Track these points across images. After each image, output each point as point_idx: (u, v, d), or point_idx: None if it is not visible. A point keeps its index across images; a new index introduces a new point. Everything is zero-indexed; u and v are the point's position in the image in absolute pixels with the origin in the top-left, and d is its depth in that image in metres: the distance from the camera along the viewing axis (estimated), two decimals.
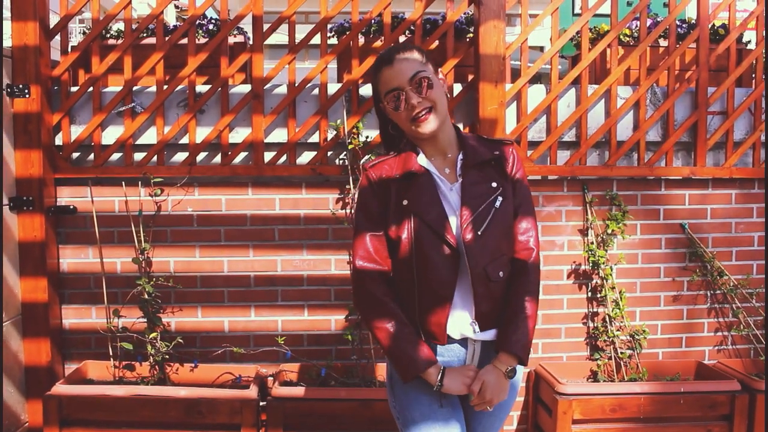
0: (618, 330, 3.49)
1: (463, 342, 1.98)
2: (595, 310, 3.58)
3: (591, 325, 3.58)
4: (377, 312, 1.96)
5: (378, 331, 1.95)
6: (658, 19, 3.64)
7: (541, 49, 11.61)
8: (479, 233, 1.91)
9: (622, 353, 3.44)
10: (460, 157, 1.99)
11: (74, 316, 3.44)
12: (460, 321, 1.95)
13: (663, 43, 3.72)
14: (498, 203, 1.95)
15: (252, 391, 3.09)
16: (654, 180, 3.57)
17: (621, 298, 3.47)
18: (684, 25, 3.68)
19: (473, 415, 2.05)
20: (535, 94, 3.49)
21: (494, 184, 1.97)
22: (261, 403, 3.13)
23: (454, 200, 1.96)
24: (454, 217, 1.94)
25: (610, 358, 3.48)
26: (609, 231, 3.48)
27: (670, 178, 3.56)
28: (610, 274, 3.48)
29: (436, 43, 3.46)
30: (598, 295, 3.54)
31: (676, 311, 3.62)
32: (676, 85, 3.51)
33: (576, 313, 3.58)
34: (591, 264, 3.50)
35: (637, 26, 3.65)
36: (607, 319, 3.49)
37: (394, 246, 1.97)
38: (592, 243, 3.50)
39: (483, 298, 1.92)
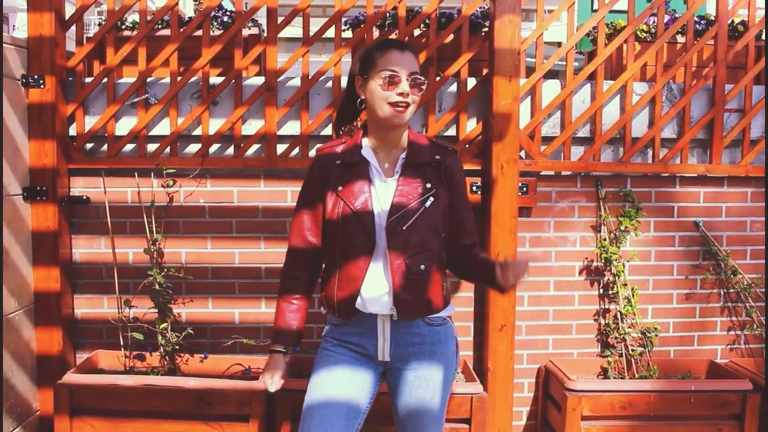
0: (629, 327, 3.46)
1: (373, 316, 2.17)
2: (606, 306, 3.56)
3: (602, 321, 3.56)
4: (284, 286, 2.31)
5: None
6: (676, 15, 3.59)
7: (559, 45, 11.49)
8: (404, 228, 2.10)
9: (633, 350, 3.42)
10: (403, 156, 2.18)
11: (86, 306, 3.46)
12: (375, 303, 2.14)
13: (681, 39, 3.67)
14: (429, 203, 2.13)
15: (261, 383, 3.09)
16: (668, 177, 3.53)
17: (633, 295, 3.45)
18: (702, 22, 3.63)
19: (402, 404, 2.23)
20: (550, 90, 3.46)
21: (428, 185, 2.15)
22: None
23: (384, 193, 2.14)
24: (380, 207, 2.12)
25: (621, 356, 3.46)
26: (622, 228, 3.45)
27: (684, 176, 3.52)
28: (623, 271, 3.46)
29: (451, 36, 3.44)
30: (610, 292, 3.51)
31: (689, 309, 3.59)
32: (693, 82, 3.47)
33: (587, 310, 3.56)
34: (603, 260, 3.48)
35: (654, 22, 3.61)
36: (619, 316, 3.47)
37: (327, 228, 2.19)
38: (605, 239, 3.48)
39: (401, 288, 2.10)
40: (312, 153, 3.40)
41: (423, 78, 2.12)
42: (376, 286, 2.13)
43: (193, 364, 3.39)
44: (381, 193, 2.14)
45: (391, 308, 2.13)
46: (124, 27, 3.64)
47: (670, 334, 3.58)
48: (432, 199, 2.14)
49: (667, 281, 3.57)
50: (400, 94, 2.07)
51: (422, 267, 2.12)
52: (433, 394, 2.20)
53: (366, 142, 2.21)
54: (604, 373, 3.48)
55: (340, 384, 2.17)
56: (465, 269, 2.33)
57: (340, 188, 2.15)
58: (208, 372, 3.32)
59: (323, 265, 2.28)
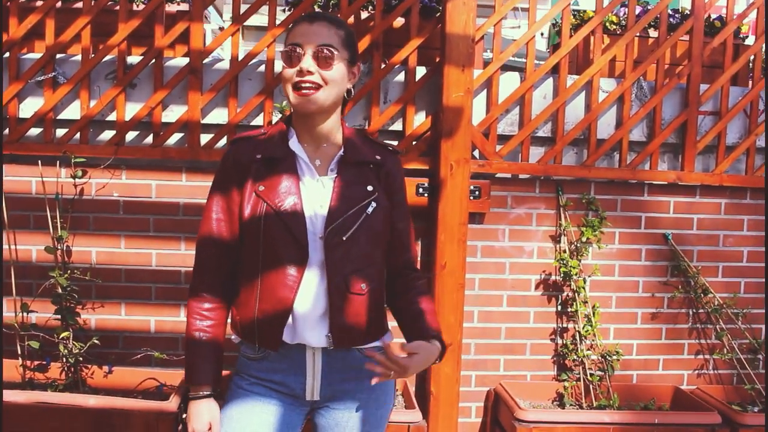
0: (589, 349, 3.15)
1: (302, 348, 1.79)
2: (564, 325, 3.24)
3: (559, 342, 3.24)
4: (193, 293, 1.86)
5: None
6: (649, 7, 3.29)
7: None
8: (344, 239, 1.74)
9: (592, 375, 3.10)
10: (341, 153, 1.82)
11: None
12: (307, 331, 1.76)
13: (653, 33, 3.38)
14: (371, 209, 1.79)
15: (171, 403, 2.73)
16: (636, 184, 3.24)
17: (594, 313, 3.13)
18: (677, 15, 3.34)
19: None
20: (508, 83, 3.14)
21: (370, 188, 1.81)
22: (184, 416, 2.78)
23: (318, 194, 1.78)
24: (312, 212, 1.76)
25: (578, 380, 3.14)
26: (584, 239, 3.14)
27: (654, 183, 3.24)
28: (583, 287, 3.14)
29: (402, 21, 3.12)
30: (569, 310, 3.20)
31: (654, 330, 3.29)
32: (665, 81, 3.17)
33: (543, 328, 3.25)
34: (562, 274, 3.16)
35: (625, 13, 3.30)
36: (578, 337, 3.15)
37: (244, 233, 1.79)
38: (565, 251, 3.16)
39: (340, 310, 1.75)
40: None
41: (337, 50, 1.72)
42: (309, 310, 1.75)
43: (102, 378, 3.02)
44: (313, 195, 1.77)
45: (327, 335, 1.76)
46: None
47: (634, 357, 3.28)
48: (374, 204, 1.79)
49: (631, 299, 3.28)
50: (299, 73, 1.70)
51: (363, 286, 1.77)
52: None
53: (292, 133, 1.83)
54: (559, 399, 3.16)
55: None
56: (392, 302, 1.95)
57: (261, 187, 1.75)
58: (119, 386, 2.97)
59: (239, 279, 1.84)
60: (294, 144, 1.80)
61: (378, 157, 1.85)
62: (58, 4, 3.01)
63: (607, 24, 3.34)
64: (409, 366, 1.69)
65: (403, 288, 1.91)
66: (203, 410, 1.79)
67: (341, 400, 1.84)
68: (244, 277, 1.81)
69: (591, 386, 3.10)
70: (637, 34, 3.22)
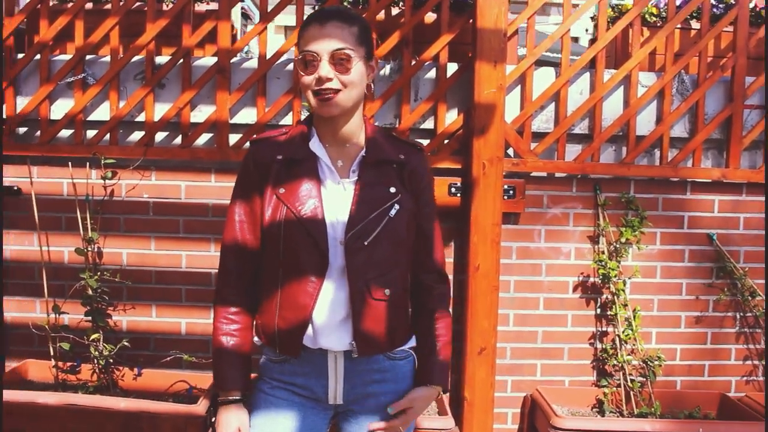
0: (629, 354, 3.02)
1: (324, 352, 1.75)
2: (604, 329, 3.12)
3: (599, 346, 3.12)
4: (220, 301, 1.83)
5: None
6: None
7: (576, 40, 10.93)
8: (366, 243, 1.70)
9: (632, 381, 2.98)
10: (363, 153, 1.77)
11: (16, 310, 3.10)
12: (328, 336, 1.73)
13: (695, 25, 3.23)
14: (393, 212, 1.73)
15: (200, 407, 2.70)
16: (678, 182, 3.10)
17: (634, 317, 3.01)
18: (720, 5, 3.19)
19: None
20: (543, 78, 3.04)
21: (393, 189, 1.75)
22: (213, 419, 2.74)
23: (339, 198, 1.73)
24: (333, 217, 1.72)
25: (619, 386, 3.02)
26: (623, 239, 3.02)
27: (697, 181, 3.10)
28: (623, 289, 3.02)
29: (433, 16, 3.04)
30: (608, 313, 3.08)
31: (699, 334, 3.15)
32: (708, 74, 3.03)
33: (582, 332, 3.13)
34: (601, 276, 3.04)
35: (665, 5, 3.17)
36: (618, 341, 3.03)
37: (265, 237, 1.76)
38: (603, 252, 3.04)
39: (362, 317, 1.71)
40: None
41: (353, 51, 1.67)
42: (329, 316, 1.71)
43: (130, 380, 3.01)
44: (334, 199, 1.73)
45: (350, 343, 1.72)
46: None
47: (677, 362, 3.14)
48: (397, 206, 1.73)
49: (674, 302, 3.14)
50: (318, 81, 1.65)
51: (387, 291, 1.73)
52: None
53: (313, 133, 1.78)
54: (599, 406, 3.05)
55: None
56: (413, 316, 1.91)
57: (281, 190, 1.72)
58: (149, 388, 2.97)
59: (261, 284, 1.81)
60: (315, 145, 1.76)
61: (402, 156, 1.79)
62: (89, 5, 3.02)
63: (647, 16, 3.21)
64: (408, 421, 1.79)
65: (423, 304, 1.87)
66: (232, 417, 1.77)
67: (364, 404, 1.79)
68: (266, 281, 1.78)
69: (632, 393, 2.97)
70: (678, 26, 3.08)
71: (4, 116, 2.99)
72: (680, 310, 3.14)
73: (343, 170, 1.76)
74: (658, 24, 3.20)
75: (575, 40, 11.23)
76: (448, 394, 3.03)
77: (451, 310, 2.98)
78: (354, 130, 1.77)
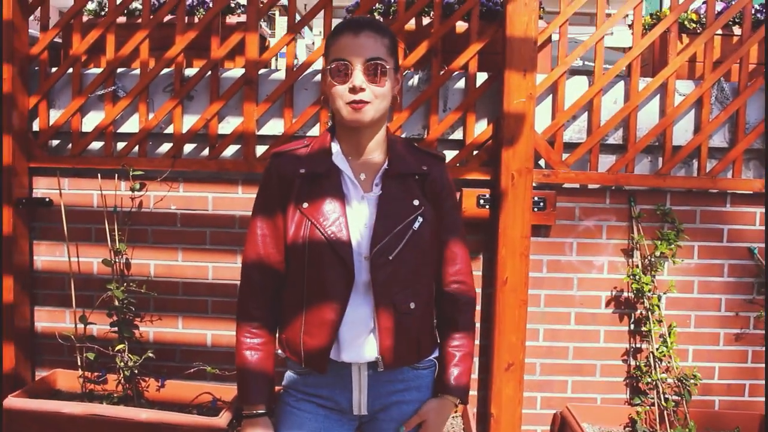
0: (664, 372, 2.92)
1: (348, 364, 1.73)
2: (638, 345, 3.02)
3: (632, 363, 3.02)
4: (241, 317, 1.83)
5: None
6: (732, 2, 3.04)
7: (624, 51, 10.67)
8: (390, 258, 1.66)
9: (667, 400, 2.87)
10: (386, 165, 1.73)
11: (46, 320, 3.13)
12: (353, 350, 1.71)
13: (736, 31, 3.12)
14: (417, 225, 1.70)
15: (221, 419, 2.69)
16: (717, 194, 2.99)
17: (670, 333, 2.90)
18: (763, 10, 3.07)
19: None
20: (575, 88, 2.96)
21: (416, 202, 1.72)
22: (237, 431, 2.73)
23: (363, 212, 1.70)
24: (357, 232, 1.68)
25: (653, 405, 2.91)
26: (658, 253, 2.92)
27: (737, 193, 2.99)
28: (658, 305, 2.92)
29: (463, 26, 2.99)
30: (642, 329, 2.98)
31: (740, 353, 3.03)
32: (749, 81, 2.92)
33: (615, 349, 3.03)
34: (635, 291, 2.95)
35: (705, 11, 3.07)
36: (652, 358, 2.93)
37: (289, 252, 1.73)
38: (638, 266, 2.95)
39: (389, 331, 1.68)
40: None
41: (386, 62, 1.65)
42: (355, 331, 1.70)
43: (155, 391, 3.03)
44: (358, 213, 1.70)
45: (377, 357, 1.70)
46: (93, 12, 3.32)
47: (715, 381, 3.03)
48: (421, 219, 1.70)
49: (712, 318, 3.02)
50: (352, 90, 1.62)
51: (412, 305, 1.70)
52: None
53: (336, 147, 1.75)
54: (632, 425, 2.94)
55: None
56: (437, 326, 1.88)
57: (305, 205, 1.69)
58: (174, 400, 3.00)
59: (284, 299, 1.78)
60: (338, 158, 1.73)
61: (424, 168, 1.75)
62: (121, 19, 3.04)
63: (686, 23, 3.11)
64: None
65: (445, 314, 1.84)
66: (258, 431, 1.74)
67: (389, 412, 1.77)
68: (289, 296, 1.76)
69: (666, 412, 2.87)
70: (719, 32, 2.98)
71: (37, 129, 3.03)
72: (719, 327, 3.03)
73: (366, 183, 1.73)
74: (699, 31, 3.10)
75: (623, 50, 10.98)
76: (475, 410, 2.97)
77: (477, 323, 2.95)
78: (378, 143, 1.74)
